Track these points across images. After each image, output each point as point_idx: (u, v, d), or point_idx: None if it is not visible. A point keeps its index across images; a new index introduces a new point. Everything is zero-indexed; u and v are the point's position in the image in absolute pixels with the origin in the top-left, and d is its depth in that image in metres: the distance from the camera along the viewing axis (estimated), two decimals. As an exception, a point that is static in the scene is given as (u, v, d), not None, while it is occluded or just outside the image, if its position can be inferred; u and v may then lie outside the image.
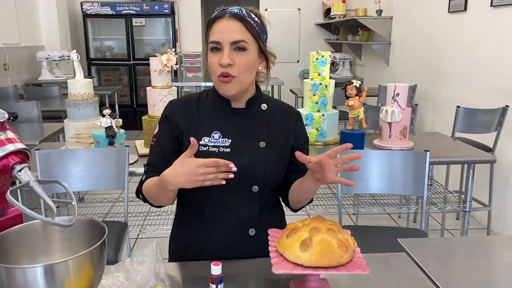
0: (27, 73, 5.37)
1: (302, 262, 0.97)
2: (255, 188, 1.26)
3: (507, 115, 3.05)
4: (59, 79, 5.26)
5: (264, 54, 1.27)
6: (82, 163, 2.04)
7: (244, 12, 1.22)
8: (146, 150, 2.37)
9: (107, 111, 2.17)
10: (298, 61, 7.44)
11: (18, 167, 0.91)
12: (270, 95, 6.30)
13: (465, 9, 3.69)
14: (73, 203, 0.95)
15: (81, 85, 2.39)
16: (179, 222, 1.37)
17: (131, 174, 2.12)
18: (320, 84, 2.48)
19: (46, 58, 5.27)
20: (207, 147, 1.23)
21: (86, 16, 6.41)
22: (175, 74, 6.67)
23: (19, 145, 0.95)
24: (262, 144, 1.27)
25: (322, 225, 1.02)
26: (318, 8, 7.19)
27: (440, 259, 1.27)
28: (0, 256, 0.89)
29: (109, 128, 2.15)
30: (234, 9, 1.21)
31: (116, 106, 5.79)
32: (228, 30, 1.19)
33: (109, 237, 1.77)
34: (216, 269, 1.05)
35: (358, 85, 2.29)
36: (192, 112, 1.28)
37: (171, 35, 6.60)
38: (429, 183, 2.76)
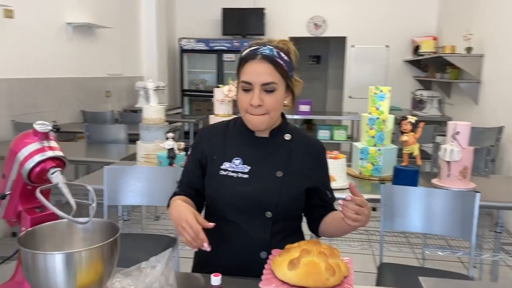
0: (126, 100, 5.99)
1: (287, 280, 1.01)
2: (268, 214, 1.31)
3: None
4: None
5: (290, 89, 1.34)
6: (143, 180, 2.26)
7: (275, 52, 1.28)
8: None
9: (170, 135, 2.38)
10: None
11: (52, 170, 1.09)
12: (350, 132, 6.15)
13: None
14: (93, 205, 1.11)
15: (154, 111, 2.65)
16: None
17: (186, 193, 2.28)
18: (378, 118, 2.46)
19: (143, 88, 5.84)
20: (226, 172, 1.33)
21: (183, 51, 7.00)
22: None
23: (58, 153, 1.13)
24: (279, 173, 1.32)
25: (315, 248, 1.05)
26: (407, 45, 7.05)
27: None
28: (31, 245, 1.06)
29: (171, 150, 2.36)
30: (266, 50, 1.28)
31: (201, 134, 6.16)
32: (259, 72, 1.26)
33: (156, 249, 1.93)
34: (215, 279, 1.13)
35: (413, 121, 2.24)
36: (218, 138, 1.39)
37: (257, 69, 6.92)
38: (499, 231, 2.54)
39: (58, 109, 4.58)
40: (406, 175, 2.19)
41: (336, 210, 1.37)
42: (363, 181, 2.46)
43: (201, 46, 6.94)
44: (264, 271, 1.08)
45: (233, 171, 1.32)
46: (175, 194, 1.42)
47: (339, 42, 7.83)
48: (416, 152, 2.23)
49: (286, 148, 1.36)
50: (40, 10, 4.24)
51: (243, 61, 1.30)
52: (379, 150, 2.46)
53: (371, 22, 7.08)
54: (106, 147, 3.71)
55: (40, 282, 1.02)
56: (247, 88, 1.27)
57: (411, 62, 7.01)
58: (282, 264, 1.03)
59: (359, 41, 7.20)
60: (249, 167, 1.32)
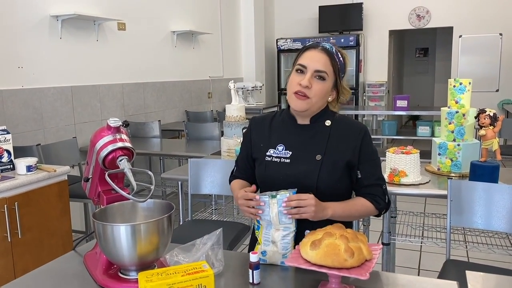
0: (226, 101, 6.37)
1: (309, 259, 1.10)
2: None
3: None
4: (250, 106, 6.08)
5: (337, 88, 1.47)
6: (221, 171, 2.47)
7: (334, 50, 1.45)
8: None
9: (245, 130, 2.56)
10: (497, 90, 6.73)
11: (120, 158, 1.32)
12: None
13: None
14: (151, 187, 1.32)
15: (235, 109, 2.86)
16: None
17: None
18: (457, 112, 2.37)
19: (242, 88, 6.17)
20: (271, 158, 1.48)
21: (280, 51, 7.21)
22: (356, 103, 6.86)
23: (127, 144, 1.36)
24: (319, 156, 1.43)
25: (338, 232, 1.13)
26: (524, 32, 6.41)
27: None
28: (103, 220, 1.30)
29: (247, 145, 2.54)
30: (327, 45, 1.45)
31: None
32: (316, 59, 1.42)
33: (228, 234, 2.11)
34: (253, 257, 1.26)
35: (492, 114, 2.12)
36: (265, 128, 1.56)
37: (354, 65, 6.84)
38: None
39: (165, 109, 5.09)
40: (483, 171, 2.08)
41: (363, 196, 1.45)
42: (441, 177, 2.39)
43: (298, 45, 7.06)
44: (294, 250, 1.18)
45: (276, 157, 1.47)
46: (233, 173, 1.66)
47: (446, 33, 7.38)
48: (495, 147, 2.11)
49: (326, 133, 1.46)
50: (148, 22, 4.76)
51: (304, 49, 1.46)
52: (458, 145, 2.36)
53: (480, 9, 6.56)
54: (202, 143, 4.04)
55: (109, 249, 1.25)
56: (300, 69, 1.42)
57: (529, 50, 6.36)
58: (306, 244, 1.12)
59: (467, 31, 6.72)
60: (290, 152, 1.46)
